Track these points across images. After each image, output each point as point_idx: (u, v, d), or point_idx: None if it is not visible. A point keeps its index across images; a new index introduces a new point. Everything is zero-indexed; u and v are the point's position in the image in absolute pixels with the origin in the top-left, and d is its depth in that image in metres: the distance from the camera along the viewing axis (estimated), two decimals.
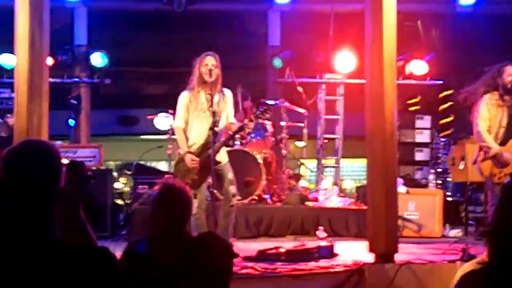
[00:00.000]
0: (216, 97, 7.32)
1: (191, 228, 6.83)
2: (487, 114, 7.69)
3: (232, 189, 7.40)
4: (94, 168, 9.10)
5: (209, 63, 7.30)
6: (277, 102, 10.53)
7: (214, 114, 7.17)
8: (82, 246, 2.66)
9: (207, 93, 7.33)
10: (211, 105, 7.22)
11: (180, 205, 4.13)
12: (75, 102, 12.19)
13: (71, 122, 12.31)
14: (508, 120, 7.70)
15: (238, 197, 8.99)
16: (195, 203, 7.09)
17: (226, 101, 7.48)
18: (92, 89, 12.66)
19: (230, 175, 7.42)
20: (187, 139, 7.42)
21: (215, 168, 7.09)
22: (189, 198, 4.20)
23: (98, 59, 12.04)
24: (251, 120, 7.32)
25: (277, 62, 12.16)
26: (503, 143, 7.66)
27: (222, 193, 7.50)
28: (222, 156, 7.45)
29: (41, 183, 2.58)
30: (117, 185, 11.23)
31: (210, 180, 7.19)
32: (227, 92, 7.53)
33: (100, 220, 8.73)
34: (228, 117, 7.51)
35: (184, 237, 4.11)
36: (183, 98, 7.45)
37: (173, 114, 8.01)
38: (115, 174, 10.89)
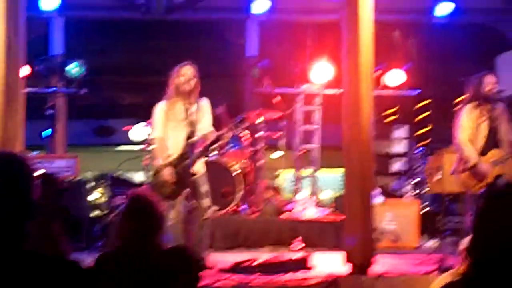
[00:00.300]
0: (193, 107, 7.28)
1: (167, 239, 6.79)
2: (468, 124, 7.71)
3: (206, 202, 7.34)
4: (69, 179, 9.00)
5: (186, 73, 7.26)
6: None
7: (190, 124, 7.12)
8: (53, 257, 2.62)
9: (184, 103, 7.29)
10: (188, 116, 7.17)
11: (150, 216, 4.08)
12: (51, 112, 12.11)
13: (47, 132, 12.21)
14: (488, 130, 7.72)
15: (215, 207, 8.95)
16: (172, 214, 7.04)
17: (203, 111, 7.43)
18: (69, 99, 12.57)
19: (204, 187, 7.34)
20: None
21: (191, 179, 7.04)
22: (159, 209, 4.15)
23: (74, 69, 11.95)
24: (228, 130, 7.27)
25: (254, 72, 12.16)
26: (483, 153, 7.67)
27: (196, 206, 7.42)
28: (199, 167, 7.40)
29: (14, 195, 2.54)
30: (93, 196, 11.12)
31: (187, 191, 7.15)
32: (204, 102, 7.48)
33: (76, 232, 8.65)
34: (204, 127, 7.45)
35: (153, 249, 4.05)
36: (160, 108, 7.39)
37: (150, 124, 7.95)
38: (91, 185, 10.78)
